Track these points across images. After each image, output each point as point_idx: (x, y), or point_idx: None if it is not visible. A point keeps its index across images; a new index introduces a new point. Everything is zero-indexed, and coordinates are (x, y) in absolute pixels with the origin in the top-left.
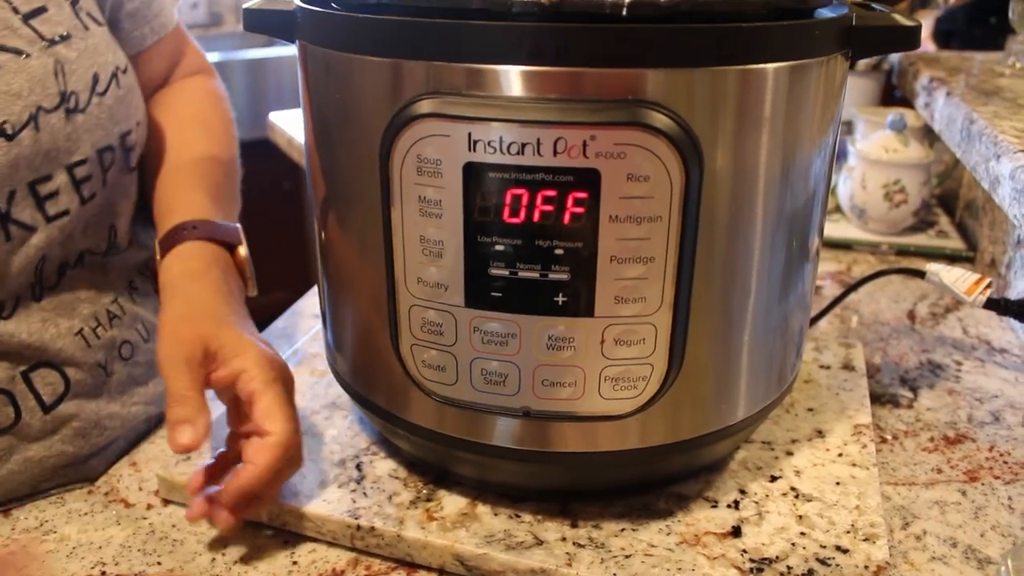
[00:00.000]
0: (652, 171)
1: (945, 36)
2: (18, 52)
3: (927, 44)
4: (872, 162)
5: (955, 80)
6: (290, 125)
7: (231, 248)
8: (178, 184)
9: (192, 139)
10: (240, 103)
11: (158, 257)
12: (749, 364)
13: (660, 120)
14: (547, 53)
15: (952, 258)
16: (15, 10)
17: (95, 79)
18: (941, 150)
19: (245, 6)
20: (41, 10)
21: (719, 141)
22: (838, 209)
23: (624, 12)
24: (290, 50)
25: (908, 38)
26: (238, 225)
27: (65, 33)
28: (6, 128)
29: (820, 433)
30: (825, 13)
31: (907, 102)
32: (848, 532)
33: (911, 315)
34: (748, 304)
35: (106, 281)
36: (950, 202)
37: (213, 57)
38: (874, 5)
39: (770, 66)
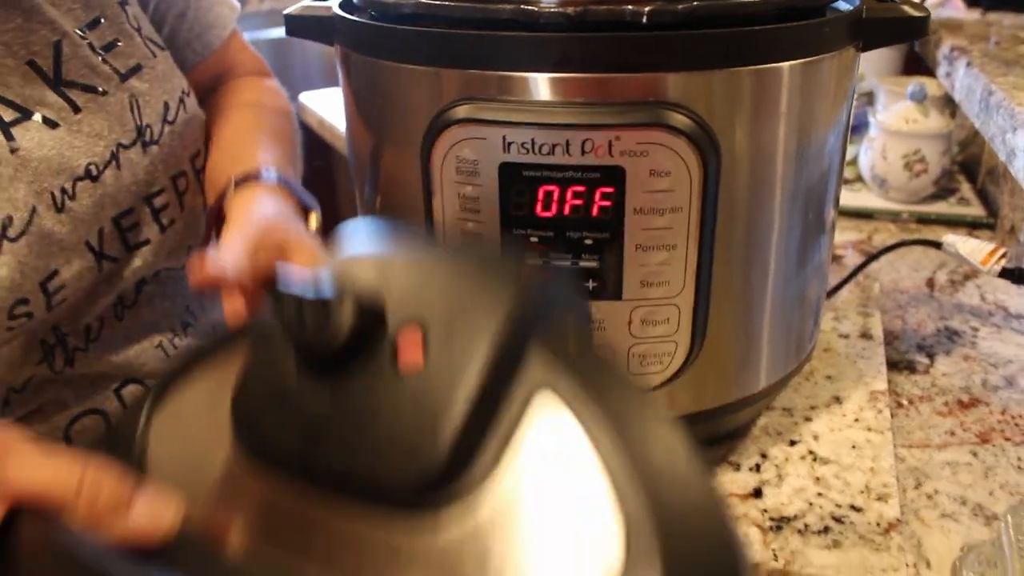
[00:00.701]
0: (673, 167)
1: None
2: (97, 91)
3: (958, 4)
4: (892, 133)
5: (976, 48)
6: (321, 106)
7: (305, 212)
8: (247, 144)
9: (253, 114)
10: None
11: (231, 190)
12: (769, 337)
13: (679, 120)
14: (573, 61)
15: (973, 225)
16: (91, 46)
17: (165, 108)
18: (963, 116)
19: (286, 11)
20: (114, 44)
21: (736, 135)
22: (859, 178)
23: (644, 20)
24: (291, 8)
25: (917, 28)
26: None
27: (135, 64)
28: (92, 169)
29: (838, 400)
30: (839, 6)
31: (930, 70)
32: (862, 492)
33: (930, 283)
34: (767, 280)
35: (179, 291)
36: (972, 168)
37: None
38: None
39: (784, 64)
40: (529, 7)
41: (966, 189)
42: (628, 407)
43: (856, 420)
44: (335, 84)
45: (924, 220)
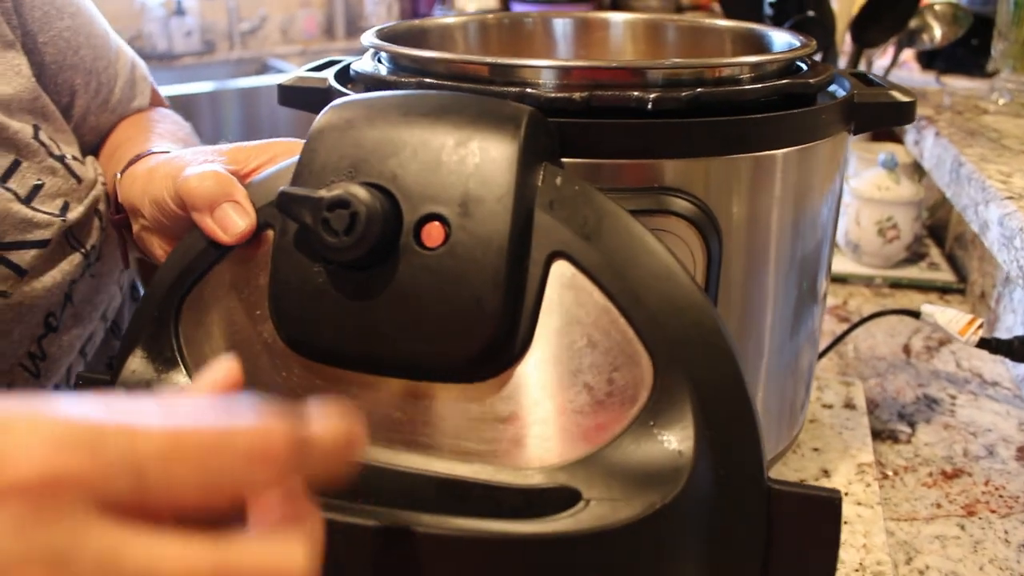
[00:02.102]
0: (678, 253)
1: (928, 56)
2: (42, 244)
3: (911, 63)
4: (865, 200)
5: (942, 118)
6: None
7: None
8: (138, 138)
9: (142, 116)
10: (233, 132)
11: (118, 177)
12: (764, 408)
13: (683, 206)
14: (576, 146)
15: (944, 290)
16: (16, 196)
17: (100, 219)
18: (931, 181)
19: (279, 82)
20: (39, 187)
21: (733, 215)
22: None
23: (649, 106)
24: (284, 79)
25: (905, 113)
26: None
27: (64, 204)
28: (51, 321)
29: (826, 472)
30: (833, 91)
31: (898, 137)
32: (857, 571)
33: (906, 349)
34: (762, 350)
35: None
36: (940, 232)
37: (206, 86)
38: (872, 77)
39: (782, 151)
40: (533, 91)
41: (935, 254)
42: (628, 247)
43: (846, 494)
44: (302, 135)
45: (897, 285)
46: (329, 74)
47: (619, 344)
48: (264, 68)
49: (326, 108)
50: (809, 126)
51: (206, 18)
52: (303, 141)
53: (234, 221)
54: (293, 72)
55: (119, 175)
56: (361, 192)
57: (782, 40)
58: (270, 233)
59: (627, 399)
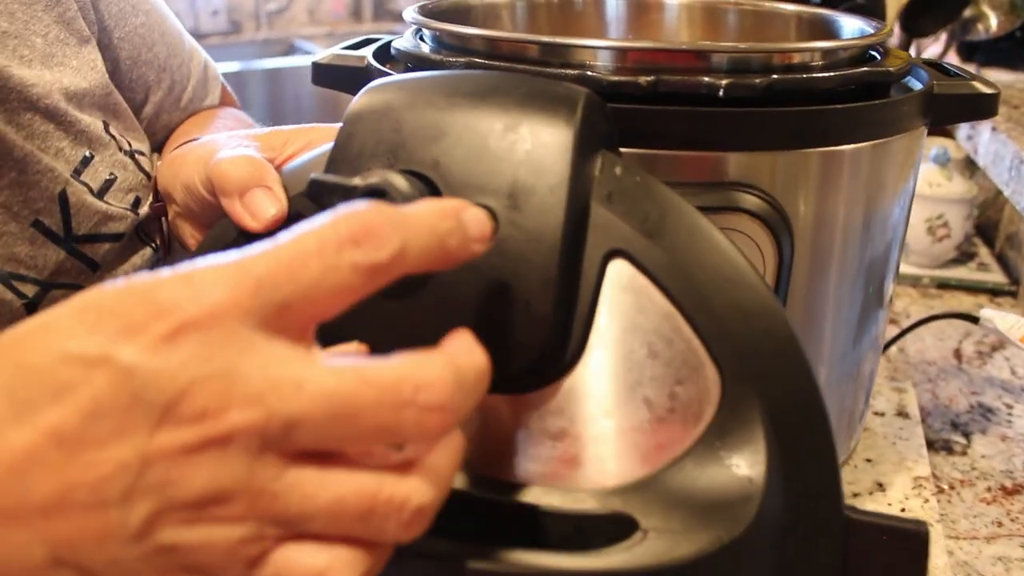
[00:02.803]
0: (747, 253)
1: (969, 48)
2: (116, 237)
3: (949, 55)
4: (916, 196)
5: (1000, 112)
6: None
7: None
8: (193, 132)
9: (215, 116)
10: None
11: (158, 164)
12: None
13: (754, 203)
14: (641, 135)
15: (994, 291)
16: (90, 190)
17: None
18: (980, 178)
19: (313, 59)
20: (111, 181)
21: (800, 214)
22: None
23: (721, 93)
24: (310, 60)
25: (988, 106)
26: None
27: (135, 198)
28: None
29: (881, 486)
30: (910, 83)
31: (947, 131)
32: None
33: (957, 354)
34: (824, 356)
35: None
36: (989, 232)
37: (232, 66)
38: (947, 66)
39: (857, 145)
40: (594, 74)
41: (984, 254)
42: (694, 246)
43: (902, 510)
44: (328, 118)
45: (945, 285)
46: (367, 52)
47: (683, 354)
48: (290, 49)
49: (363, 90)
50: (888, 119)
51: None
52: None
53: (264, 207)
54: (329, 50)
55: (159, 162)
56: (399, 180)
57: (852, 26)
58: None
59: (691, 416)
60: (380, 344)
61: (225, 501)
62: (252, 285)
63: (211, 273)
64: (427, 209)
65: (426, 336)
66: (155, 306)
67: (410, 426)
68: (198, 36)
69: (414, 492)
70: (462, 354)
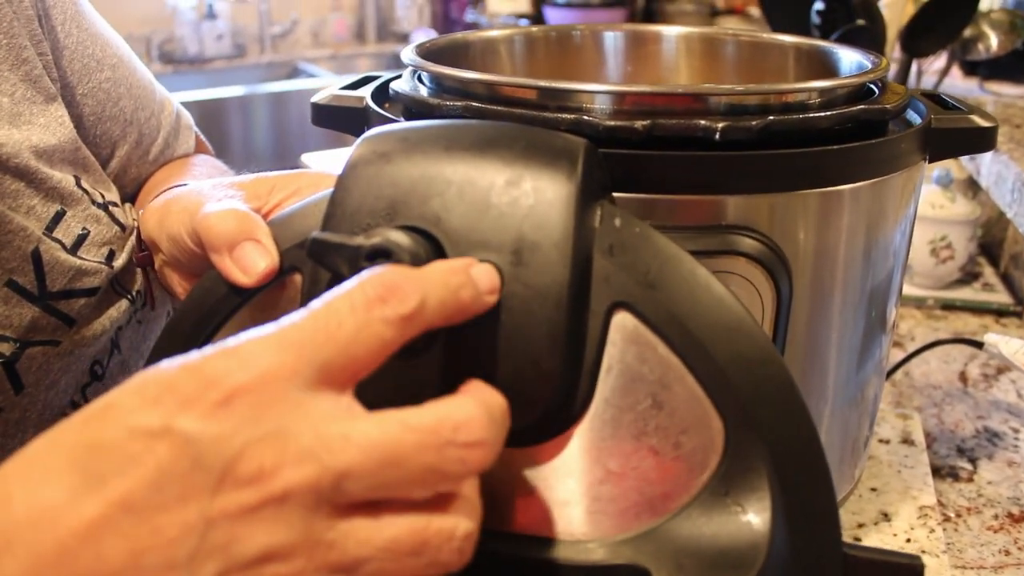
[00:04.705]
0: (745, 295)
1: (971, 64)
2: (90, 292)
3: (954, 70)
4: (918, 218)
5: (1001, 132)
6: (323, 168)
7: None
8: (170, 180)
9: (180, 163)
10: (263, 137)
11: (140, 214)
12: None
13: (751, 246)
14: (636, 180)
15: (999, 312)
16: (63, 246)
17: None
18: (984, 197)
19: (313, 100)
20: (84, 236)
21: (800, 252)
22: None
23: (717, 136)
24: (314, 83)
25: (987, 140)
26: None
27: (109, 252)
28: (97, 370)
29: (886, 516)
30: (909, 115)
31: None
32: None
33: (963, 377)
34: (827, 383)
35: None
36: (994, 250)
37: (237, 90)
38: (945, 98)
39: (856, 185)
40: (590, 118)
41: (989, 274)
42: (693, 295)
43: (908, 540)
44: (334, 143)
45: (949, 306)
46: (366, 92)
47: (687, 403)
48: (295, 72)
49: (359, 140)
50: (886, 157)
51: (237, 22)
52: (329, 174)
53: (254, 261)
54: (327, 90)
55: (141, 212)
56: (403, 239)
57: (850, 59)
58: (297, 278)
59: (696, 465)
60: (382, 405)
61: (285, 556)
62: (295, 348)
63: (255, 344)
64: (439, 267)
65: (429, 397)
66: (206, 378)
67: (453, 464)
68: (202, 61)
69: (459, 521)
70: (486, 393)
